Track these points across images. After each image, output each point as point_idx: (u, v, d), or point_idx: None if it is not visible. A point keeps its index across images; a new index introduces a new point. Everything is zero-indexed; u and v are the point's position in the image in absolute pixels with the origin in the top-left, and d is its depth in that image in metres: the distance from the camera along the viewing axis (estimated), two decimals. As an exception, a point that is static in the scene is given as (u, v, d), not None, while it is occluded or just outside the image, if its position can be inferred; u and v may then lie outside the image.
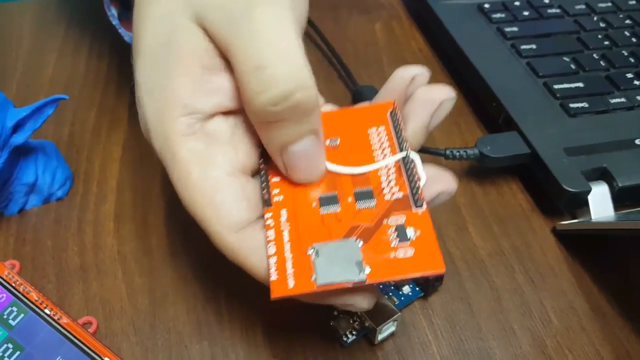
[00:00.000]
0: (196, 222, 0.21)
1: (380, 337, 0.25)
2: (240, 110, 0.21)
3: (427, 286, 0.26)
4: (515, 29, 0.39)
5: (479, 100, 0.36)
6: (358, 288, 0.19)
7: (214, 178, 0.20)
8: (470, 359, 0.25)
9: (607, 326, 0.26)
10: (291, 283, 0.19)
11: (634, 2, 0.42)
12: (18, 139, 0.27)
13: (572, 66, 0.36)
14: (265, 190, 0.21)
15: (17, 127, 0.27)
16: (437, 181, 0.21)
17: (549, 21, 0.40)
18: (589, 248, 0.29)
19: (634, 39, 0.39)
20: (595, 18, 0.41)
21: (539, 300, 0.27)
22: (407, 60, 0.40)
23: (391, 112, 0.22)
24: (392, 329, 0.25)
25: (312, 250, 0.19)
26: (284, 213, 0.20)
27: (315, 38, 0.42)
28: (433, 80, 0.40)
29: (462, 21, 0.40)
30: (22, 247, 0.28)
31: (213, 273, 0.27)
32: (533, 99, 0.34)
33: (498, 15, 0.40)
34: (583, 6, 0.41)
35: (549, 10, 0.41)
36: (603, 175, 0.30)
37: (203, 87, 0.20)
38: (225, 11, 0.19)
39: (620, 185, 0.29)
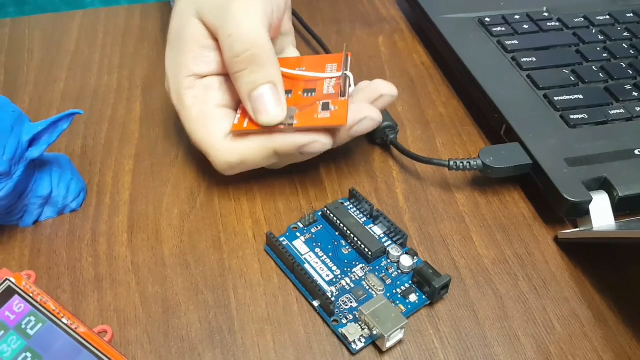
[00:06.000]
0: (196, 148, 0.30)
1: (388, 344, 0.25)
2: (225, 74, 0.30)
3: (433, 294, 0.27)
4: (515, 42, 0.40)
5: (481, 112, 0.37)
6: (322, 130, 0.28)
7: (207, 110, 0.30)
8: (476, 365, 0.26)
9: (610, 333, 0.27)
10: (245, 124, 0.29)
11: (631, 14, 0.43)
12: (34, 152, 0.28)
13: (572, 78, 0.37)
14: None
15: (32, 141, 0.28)
16: (364, 109, 0.29)
17: (549, 34, 0.41)
18: (590, 256, 0.30)
19: (632, 51, 0.39)
20: (594, 31, 0.41)
21: (542, 307, 0.28)
22: (409, 73, 0.41)
23: (345, 57, 0.31)
24: (400, 336, 0.26)
25: None
26: None
27: (319, 51, 0.43)
28: (435, 92, 0.41)
29: (463, 35, 0.41)
30: (38, 258, 0.29)
31: (224, 282, 0.28)
32: (534, 111, 0.35)
33: (498, 28, 0.41)
34: (582, 19, 0.42)
35: (549, 24, 0.42)
36: (603, 185, 0.31)
37: (200, 59, 0.30)
38: (215, 7, 0.29)
39: (620, 194, 0.30)
